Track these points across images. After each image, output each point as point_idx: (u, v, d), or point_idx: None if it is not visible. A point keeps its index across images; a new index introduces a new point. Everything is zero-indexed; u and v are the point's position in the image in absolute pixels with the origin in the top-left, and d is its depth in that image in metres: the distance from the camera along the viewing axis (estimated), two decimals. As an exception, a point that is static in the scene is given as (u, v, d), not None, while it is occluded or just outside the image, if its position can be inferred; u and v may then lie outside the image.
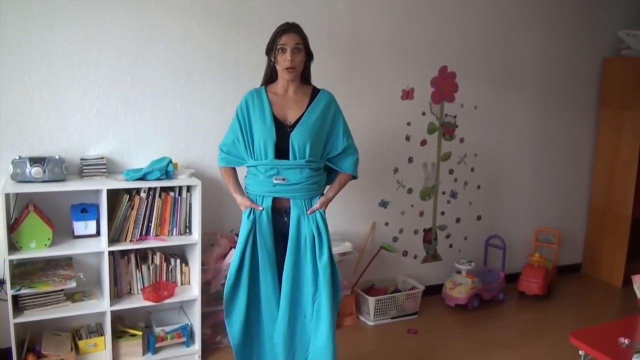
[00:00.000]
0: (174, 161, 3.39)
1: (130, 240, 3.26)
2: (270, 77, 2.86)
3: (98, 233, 3.25)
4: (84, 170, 3.26)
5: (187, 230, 3.41)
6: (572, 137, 5.08)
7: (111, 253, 3.21)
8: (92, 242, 3.21)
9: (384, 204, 4.31)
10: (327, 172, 2.91)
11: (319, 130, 2.77)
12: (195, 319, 3.43)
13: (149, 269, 3.38)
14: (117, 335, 3.33)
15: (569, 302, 4.63)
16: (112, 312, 3.20)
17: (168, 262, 3.46)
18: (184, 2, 3.45)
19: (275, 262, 2.78)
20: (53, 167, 3.08)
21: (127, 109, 3.42)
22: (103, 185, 3.12)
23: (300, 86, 2.84)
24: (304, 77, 2.86)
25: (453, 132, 4.48)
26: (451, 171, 4.54)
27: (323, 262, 2.75)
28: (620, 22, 5.01)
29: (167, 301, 3.34)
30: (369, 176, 4.18)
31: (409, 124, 4.28)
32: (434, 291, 4.50)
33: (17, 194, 3.16)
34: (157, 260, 3.40)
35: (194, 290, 3.42)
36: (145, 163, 3.40)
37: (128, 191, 3.24)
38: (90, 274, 3.40)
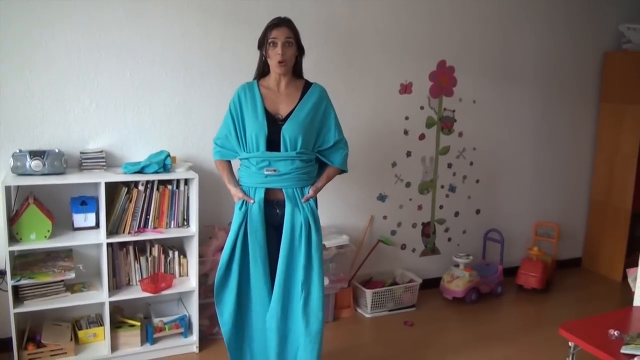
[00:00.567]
0: (172, 155, 3.44)
1: (129, 233, 3.31)
2: (263, 71, 2.90)
3: (97, 225, 3.30)
4: (84, 164, 3.31)
5: (185, 223, 3.46)
6: (573, 131, 5.08)
7: (110, 245, 3.27)
8: (91, 234, 3.27)
9: (382, 198, 4.34)
10: (318, 164, 2.95)
11: (310, 123, 2.81)
12: (193, 310, 3.49)
13: (147, 260, 3.44)
14: (116, 325, 3.38)
15: (568, 296, 4.65)
16: (111, 302, 3.26)
17: (166, 254, 3.51)
18: (182, -3, 3.51)
19: (266, 253, 2.82)
20: (53, 160, 3.13)
21: (126, 104, 3.47)
22: (102, 178, 3.17)
23: (292, 80, 2.88)
24: (296, 71, 2.90)
25: (452, 126, 4.50)
26: (450, 165, 4.56)
27: (314, 244, 2.81)
28: (621, 16, 4.99)
29: (165, 292, 3.40)
30: (367, 170, 4.22)
31: (407, 118, 4.30)
32: (432, 285, 4.53)
33: (17, 187, 3.22)
34: (155, 252, 3.46)
35: (192, 282, 3.47)
36: (144, 157, 3.46)
37: (126, 184, 3.30)
38: (89, 265, 3.45)
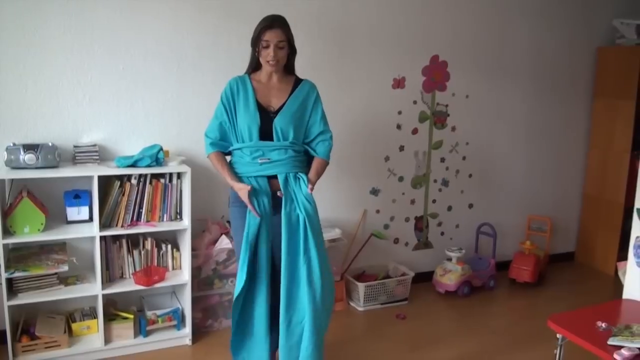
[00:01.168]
0: (164, 149, 3.46)
1: (122, 226, 3.34)
2: (255, 66, 2.95)
3: (90, 218, 3.32)
4: (77, 157, 3.33)
5: (178, 216, 3.49)
6: (566, 126, 5.10)
7: (103, 238, 3.30)
8: (84, 227, 3.29)
9: (375, 192, 4.37)
10: (307, 156, 3.01)
11: (300, 117, 2.89)
12: (186, 302, 3.52)
13: (140, 253, 3.46)
14: (110, 318, 3.41)
15: (560, 289, 4.68)
16: (104, 295, 3.29)
17: (159, 248, 3.53)
18: (174, -8, 3.52)
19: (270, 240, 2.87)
20: (46, 153, 3.15)
21: (119, 98, 3.49)
22: (95, 171, 3.20)
23: (283, 76, 2.95)
24: (287, 68, 2.96)
25: (444, 121, 4.52)
26: (443, 160, 4.58)
27: (309, 225, 2.82)
28: (614, 11, 5.00)
29: (158, 285, 3.42)
30: (360, 164, 4.25)
31: (400, 112, 4.32)
32: (424, 278, 4.55)
33: (11, 180, 3.25)
34: (148, 245, 3.48)
35: (185, 274, 3.50)
36: (137, 150, 3.48)
37: (119, 178, 3.32)
38: (83, 258, 3.48)
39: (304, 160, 2.98)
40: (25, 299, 3.14)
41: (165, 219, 3.47)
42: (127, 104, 3.52)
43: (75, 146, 3.37)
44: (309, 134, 2.96)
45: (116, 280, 3.41)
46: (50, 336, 3.23)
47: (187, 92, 3.65)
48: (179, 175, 3.45)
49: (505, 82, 4.71)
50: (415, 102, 4.37)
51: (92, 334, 3.39)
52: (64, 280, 3.31)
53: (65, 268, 3.20)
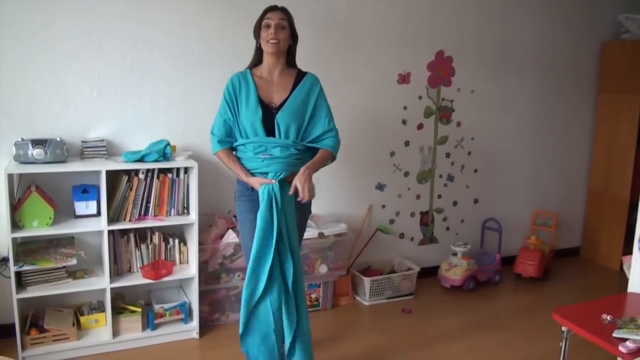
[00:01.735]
0: (172, 144, 3.49)
1: (130, 220, 3.36)
2: (258, 60, 2.93)
3: (98, 213, 3.35)
4: (85, 152, 3.36)
5: (185, 211, 3.51)
6: (571, 120, 5.10)
7: (111, 232, 3.32)
8: (92, 222, 3.32)
9: (380, 187, 4.38)
10: (310, 153, 2.94)
11: (303, 113, 2.85)
12: (193, 296, 3.54)
13: (148, 248, 3.48)
14: (118, 311, 3.44)
15: (565, 284, 4.68)
16: (112, 289, 3.31)
17: (166, 242, 3.56)
18: (181, -13, 3.54)
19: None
20: (54, 148, 3.18)
21: (127, 93, 3.52)
22: (103, 166, 3.22)
23: (285, 69, 2.92)
24: (289, 60, 2.93)
25: (450, 116, 4.53)
26: (448, 155, 4.60)
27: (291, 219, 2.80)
28: (619, 5, 5.00)
29: (165, 279, 3.44)
30: (365, 159, 4.26)
31: (405, 107, 4.34)
32: (430, 273, 4.57)
33: (20, 175, 3.27)
34: (155, 239, 3.51)
35: (192, 269, 3.52)
36: (144, 145, 3.50)
37: (127, 172, 3.34)
38: (91, 252, 3.51)
39: (306, 158, 2.89)
40: (33, 292, 3.16)
41: (172, 214, 3.49)
42: (135, 99, 3.54)
43: (83, 141, 3.39)
44: (312, 131, 2.89)
45: (124, 274, 3.44)
46: (58, 329, 3.26)
47: (194, 87, 3.67)
48: (186, 170, 3.47)
49: (510, 77, 4.72)
50: (420, 98, 4.38)
51: (100, 327, 3.42)
52: (73, 273, 3.34)
53: (73, 262, 3.22)
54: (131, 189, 3.34)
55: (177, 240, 3.58)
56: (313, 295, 3.97)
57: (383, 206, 4.42)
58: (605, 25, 5.03)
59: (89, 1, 3.33)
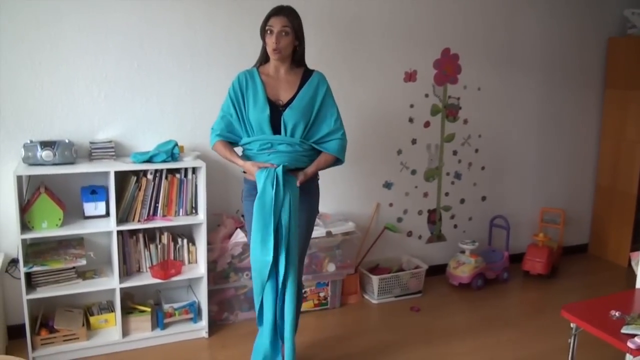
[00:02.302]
0: (179, 144, 3.50)
1: (138, 221, 3.37)
2: (265, 58, 2.93)
3: (107, 214, 3.37)
4: (93, 153, 3.37)
5: (193, 211, 3.52)
6: (578, 117, 5.09)
7: (120, 233, 3.33)
8: (101, 222, 3.34)
9: (388, 185, 4.38)
10: (315, 152, 2.93)
11: (310, 111, 2.84)
12: (202, 296, 3.55)
13: (156, 248, 3.50)
14: (127, 311, 3.46)
15: (574, 281, 4.67)
16: (121, 289, 3.33)
17: (175, 242, 3.57)
18: (187, -12, 3.54)
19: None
20: (63, 150, 3.20)
21: (134, 94, 3.53)
22: (111, 167, 3.24)
23: (291, 68, 2.91)
24: (295, 59, 2.92)
25: (457, 114, 4.53)
26: (455, 152, 4.59)
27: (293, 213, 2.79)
28: (625, 1, 4.98)
29: (174, 279, 3.46)
30: (372, 158, 4.27)
31: (412, 105, 4.33)
32: (438, 271, 4.57)
33: (29, 176, 3.29)
34: (164, 239, 3.52)
35: (201, 268, 3.53)
36: (152, 146, 3.51)
37: (135, 173, 3.36)
38: (100, 253, 3.53)
39: (312, 154, 2.88)
40: (43, 293, 3.19)
41: (181, 214, 3.50)
42: (142, 100, 3.55)
43: (91, 142, 3.41)
44: (318, 130, 2.87)
45: (133, 274, 3.45)
46: (68, 329, 3.28)
47: (201, 87, 3.68)
48: (194, 170, 3.48)
49: (516, 74, 4.71)
50: (427, 95, 4.38)
51: (110, 327, 3.44)
52: (82, 274, 3.36)
53: (83, 262, 3.24)
54: (140, 190, 3.35)
55: (185, 240, 3.59)
56: (321, 294, 3.98)
57: (391, 204, 4.43)
58: (611, 21, 5.01)
59: (96, 3, 3.34)
